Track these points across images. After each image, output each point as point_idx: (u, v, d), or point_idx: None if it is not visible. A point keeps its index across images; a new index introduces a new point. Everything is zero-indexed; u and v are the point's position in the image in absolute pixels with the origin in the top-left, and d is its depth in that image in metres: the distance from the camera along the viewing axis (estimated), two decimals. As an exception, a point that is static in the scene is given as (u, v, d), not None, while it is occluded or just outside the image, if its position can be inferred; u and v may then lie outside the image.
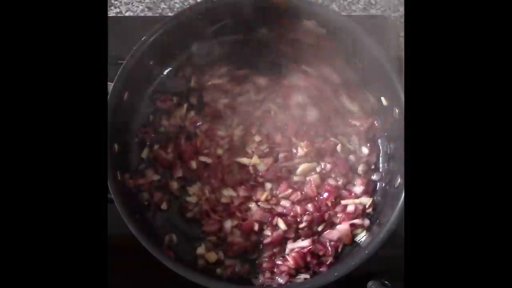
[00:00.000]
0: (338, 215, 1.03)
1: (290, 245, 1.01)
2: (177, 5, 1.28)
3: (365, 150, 1.09)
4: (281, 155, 1.07)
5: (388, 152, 1.09)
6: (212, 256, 1.00)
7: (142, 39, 0.98)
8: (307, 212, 1.02)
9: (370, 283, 0.99)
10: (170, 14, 1.27)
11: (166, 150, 1.07)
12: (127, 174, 1.02)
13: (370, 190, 1.06)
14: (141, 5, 1.28)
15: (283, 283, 0.97)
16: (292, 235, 1.01)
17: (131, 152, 1.07)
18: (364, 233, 1.02)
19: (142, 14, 1.27)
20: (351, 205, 1.03)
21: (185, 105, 1.11)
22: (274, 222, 1.02)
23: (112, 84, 0.95)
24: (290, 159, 1.07)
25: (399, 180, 1.00)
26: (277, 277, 0.99)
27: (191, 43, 1.08)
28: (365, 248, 0.93)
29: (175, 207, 1.05)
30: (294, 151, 1.08)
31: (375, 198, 1.06)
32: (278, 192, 1.05)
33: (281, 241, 1.01)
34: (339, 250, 1.01)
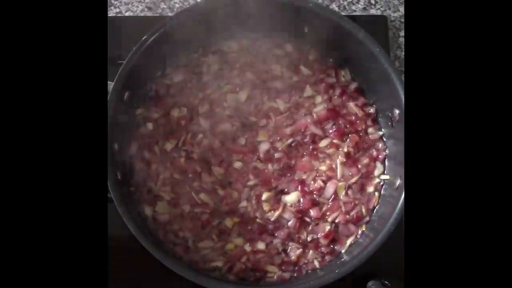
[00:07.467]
0: None
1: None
2: (177, 5, 1.28)
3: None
4: None
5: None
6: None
7: (142, 39, 0.98)
8: None
9: (370, 283, 0.99)
10: (170, 14, 1.27)
11: None
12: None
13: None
14: (141, 5, 1.28)
15: None
16: None
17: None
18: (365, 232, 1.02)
19: (142, 14, 1.27)
20: None
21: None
22: None
23: (112, 84, 0.95)
24: None
25: (399, 181, 1.00)
26: None
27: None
28: (365, 248, 0.93)
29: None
30: None
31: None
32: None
33: None
34: None
